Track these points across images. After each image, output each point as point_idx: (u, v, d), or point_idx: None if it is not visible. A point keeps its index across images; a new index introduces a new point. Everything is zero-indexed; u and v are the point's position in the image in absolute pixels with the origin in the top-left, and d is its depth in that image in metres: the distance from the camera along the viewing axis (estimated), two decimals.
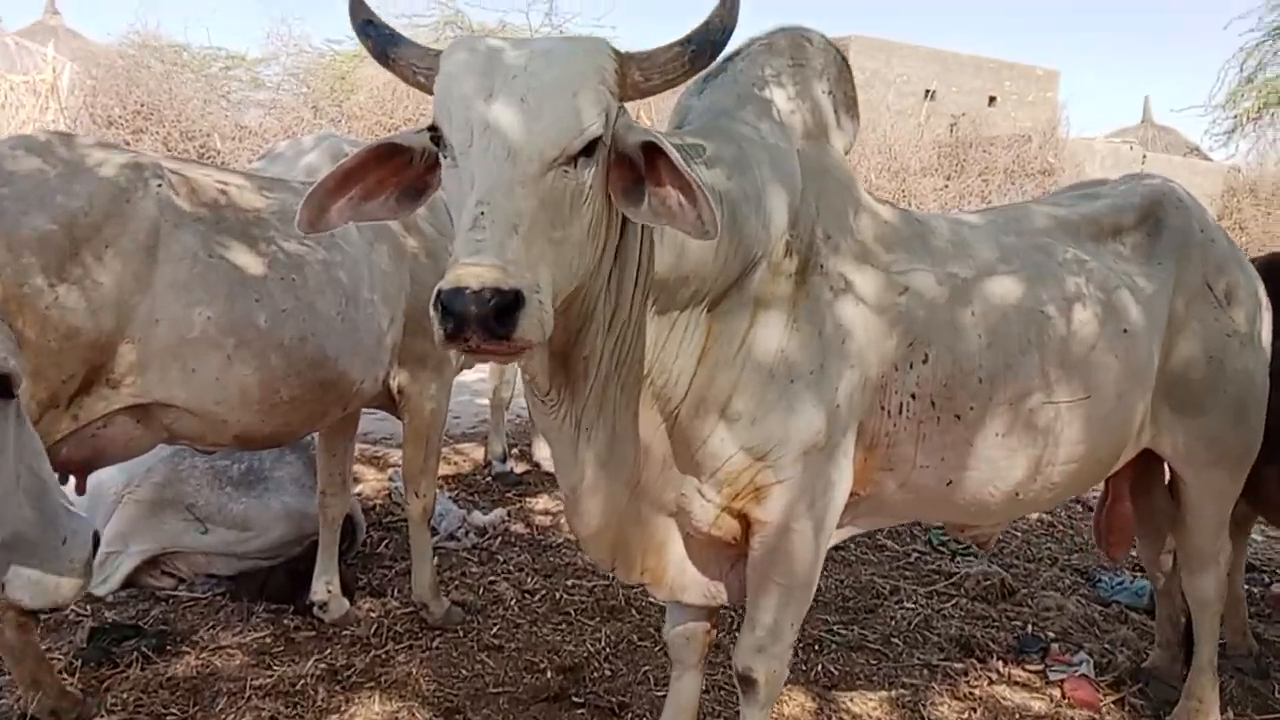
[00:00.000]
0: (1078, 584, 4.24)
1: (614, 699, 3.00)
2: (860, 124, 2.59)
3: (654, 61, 1.82)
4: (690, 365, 2.13)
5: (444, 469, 5.50)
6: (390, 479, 5.09)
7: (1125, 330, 2.51)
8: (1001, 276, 2.45)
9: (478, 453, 5.77)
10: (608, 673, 3.17)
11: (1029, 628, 3.74)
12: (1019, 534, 4.86)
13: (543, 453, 5.61)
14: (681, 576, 2.41)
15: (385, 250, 3.13)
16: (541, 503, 5.00)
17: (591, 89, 1.70)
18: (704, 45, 1.81)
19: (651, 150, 1.74)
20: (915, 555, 4.50)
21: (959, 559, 4.42)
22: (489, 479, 5.33)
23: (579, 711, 2.93)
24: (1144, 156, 16.79)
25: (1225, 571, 3.02)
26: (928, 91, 18.62)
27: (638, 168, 1.78)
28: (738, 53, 2.39)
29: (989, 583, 4.08)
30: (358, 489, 4.84)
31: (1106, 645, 3.61)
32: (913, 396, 2.34)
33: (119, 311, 2.49)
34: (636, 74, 1.80)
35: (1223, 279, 2.75)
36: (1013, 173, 14.91)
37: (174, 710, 2.78)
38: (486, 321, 1.48)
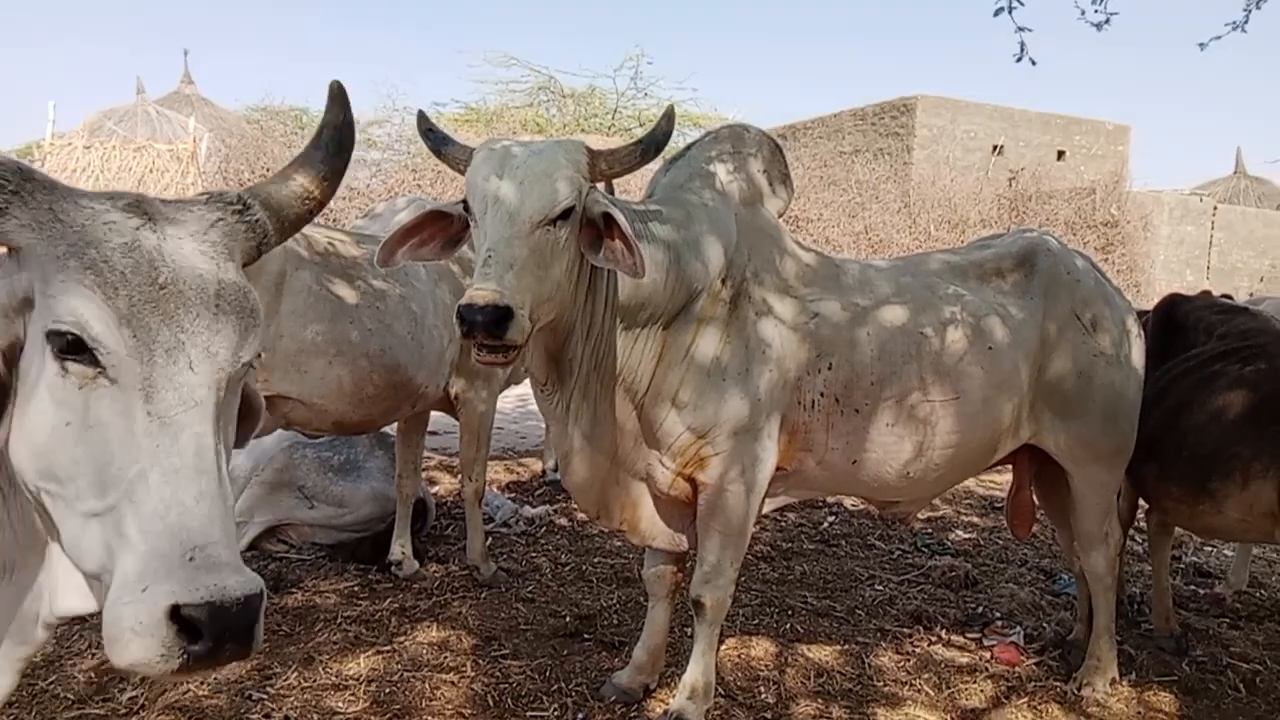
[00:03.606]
0: (1038, 579, 4.87)
1: (616, 639, 3.82)
2: (795, 191, 3.44)
3: (616, 156, 2.73)
4: (650, 367, 2.98)
5: (507, 476, 6.47)
6: (460, 482, 6.05)
7: (990, 348, 3.26)
8: (892, 305, 3.24)
9: (538, 465, 6.71)
10: (615, 622, 4.00)
11: (979, 609, 4.42)
12: (1000, 541, 5.51)
13: None
14: (652, 527, 3.24)
15: (447, 288, 4.11)
16: None
17: (567, 175, 2.60)
18: (650, 145, 2.71)
19: (607, 217, 2.64)
20: (899, 553, 5.20)
21: (936, 557, 5.10)
22: (544, 484, 6.25)
23: (587, 644, 3.76)
24: (1215, 208, 16.92)
25: (1114, 552, 3.66)
26: (995, 147, 19.09)
27: (599, 228, 2.67)
28: (694, 144, 3.28)
29: (954, 574, 4.76)
30: (434, 488, 5.81)
31: (1044, 624, 4.25)
32: (821, 394, 3.14)
33: None
34: (603, 164, 2.71)
35: (1089, 311, 3.47)
36: (1074, 225, 15.27)
37: (284, 627, 3.73)
38: (487, 325, 2.38)
